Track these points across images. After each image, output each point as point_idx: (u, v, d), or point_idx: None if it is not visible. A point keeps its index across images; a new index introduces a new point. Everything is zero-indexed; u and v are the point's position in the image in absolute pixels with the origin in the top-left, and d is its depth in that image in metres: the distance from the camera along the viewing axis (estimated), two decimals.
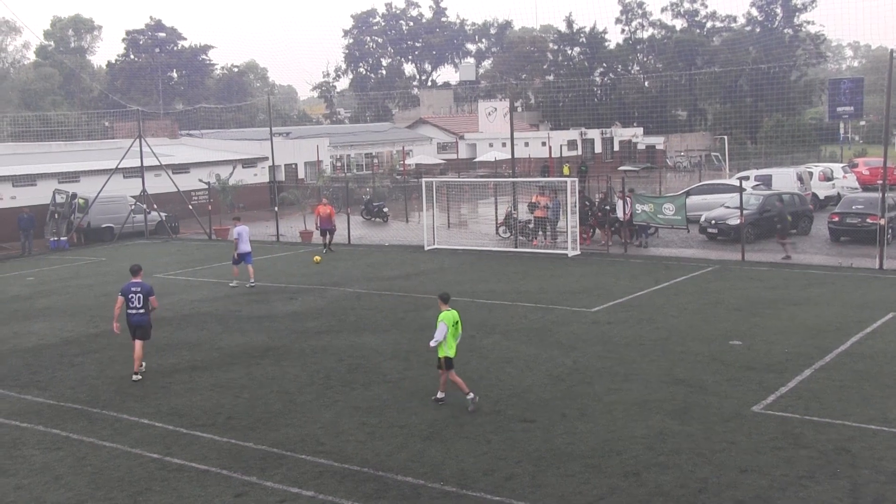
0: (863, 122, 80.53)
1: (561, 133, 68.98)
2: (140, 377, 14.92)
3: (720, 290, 20.88)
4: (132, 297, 14.98)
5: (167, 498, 10.13)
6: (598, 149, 69.99)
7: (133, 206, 36.94)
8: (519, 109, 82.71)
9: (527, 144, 61.22)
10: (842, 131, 70.09)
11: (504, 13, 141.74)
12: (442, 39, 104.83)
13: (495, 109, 69.82)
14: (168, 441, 11.95)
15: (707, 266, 24.39)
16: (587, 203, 30.80)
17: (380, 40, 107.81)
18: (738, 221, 26.28)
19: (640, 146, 70.15)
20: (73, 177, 39.66)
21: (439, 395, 13.06)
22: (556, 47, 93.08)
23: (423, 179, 33.62)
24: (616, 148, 70.80)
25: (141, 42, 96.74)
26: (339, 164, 59.89)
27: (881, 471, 10.14)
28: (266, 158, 45.17)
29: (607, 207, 29.58)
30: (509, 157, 34.28)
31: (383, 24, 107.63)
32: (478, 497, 9.84)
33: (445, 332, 12.58)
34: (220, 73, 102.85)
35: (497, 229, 32.27)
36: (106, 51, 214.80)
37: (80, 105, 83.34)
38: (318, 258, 27.64)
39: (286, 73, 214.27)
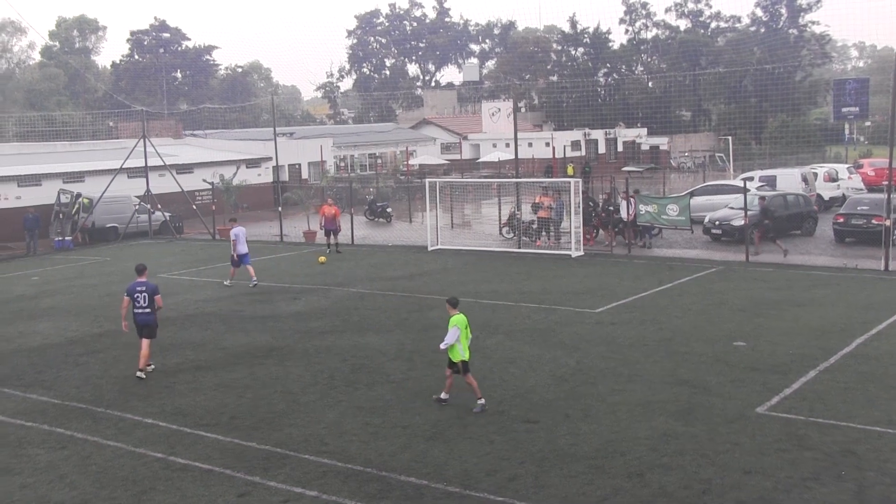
0: (868, 123, 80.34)
1: (564, 133, 68.93)
2: (144, 375, 14.96)
3: (724, 290, 20.85)
4: (138, 296, 15.04)
5: (171, 497, 10.14)
6: (601, 149, 69.91)
7: (137, 206, 36.99)
8: (522, 110, 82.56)
9: (530, 145, 61.13)
10: (847, 132, 69.97)
11: (507, 13, 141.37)
12: (445, 40, 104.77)
13: (499, 110, 69.76)
14: (172, 441, 11.97)
15: (711, 267, 24.36)
16: (591, 204, 30.77)
17: (383, 41, 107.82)
18: (742, 222, 26.24)
19: (644, 147, 70.02)
20: (77, 177, 39.74)
21: (443, 395, 13.06)
22: (559, 48, 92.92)
23: (427, 180, 33.59)
24: (620, 148, 70.68)
25: (145, 42, 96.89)
26: (342, 164, 59.94)
27: (887, 473, 10.11)
28: (270, 159, 45.17)
29: (611, 208, 29.56)
30: (513, 157, 34.22)
31: (387, 24, 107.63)
32: (481, 497, 9.83)
33: (457, 335, 12.59)
34: (224, 74, 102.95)
35: (500, 230, 32.26)
36: (110, 51, 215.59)
37: (84, 105, 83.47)
38: (322, 259, 27.67)
39: (290, 74, 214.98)
